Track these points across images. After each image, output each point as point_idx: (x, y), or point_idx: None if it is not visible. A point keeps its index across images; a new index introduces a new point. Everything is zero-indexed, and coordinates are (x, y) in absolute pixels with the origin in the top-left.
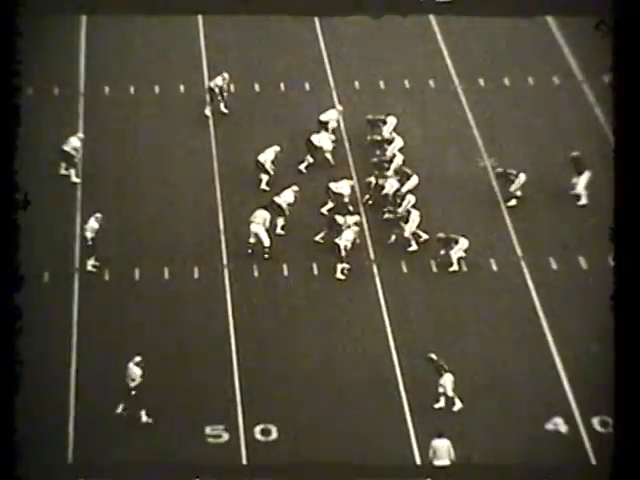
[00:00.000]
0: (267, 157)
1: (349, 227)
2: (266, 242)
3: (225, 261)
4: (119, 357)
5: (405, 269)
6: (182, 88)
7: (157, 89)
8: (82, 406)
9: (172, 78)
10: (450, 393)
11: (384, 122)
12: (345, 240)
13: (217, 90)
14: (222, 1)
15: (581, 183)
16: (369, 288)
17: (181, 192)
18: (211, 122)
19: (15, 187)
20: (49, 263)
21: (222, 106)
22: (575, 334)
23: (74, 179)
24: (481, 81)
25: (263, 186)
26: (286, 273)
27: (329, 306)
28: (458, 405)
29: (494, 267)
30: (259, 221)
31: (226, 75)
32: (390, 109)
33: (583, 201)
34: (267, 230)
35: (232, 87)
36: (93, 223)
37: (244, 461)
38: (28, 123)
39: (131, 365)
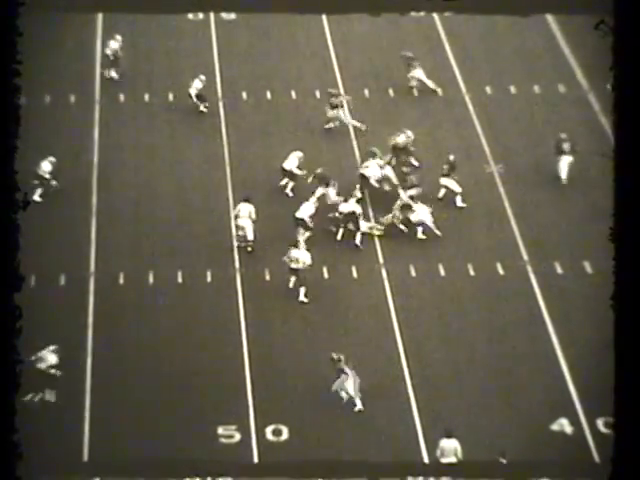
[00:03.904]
0: (292, 164)
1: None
2: (250, 236)
3: (237, 265)
4: (134, 359)
5: (414, 273)
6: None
7: (171, 96)
8: (97, 406)
9: (185, 85)
10: (352, 392)
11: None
12: None
13: (111, 55)
14: None
15: (563, 165)
16: (378, 291)
17: (194, 197)
18: (224, 128)
19: (15, 187)
20: (64, 266)
21: (113, 72)
22: (580, 337)
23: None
24: (488, 89)
25: (287, 191)
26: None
27: (339, 309)
28: (359, 406)
29: (500, 271)
30: (244, 214)
31: (119, 37)
32: (398, 117)
33: (563, 177)
34: (254, 222)
35: (244, 95)
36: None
37: (256, 461)
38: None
39: (45, 352)
